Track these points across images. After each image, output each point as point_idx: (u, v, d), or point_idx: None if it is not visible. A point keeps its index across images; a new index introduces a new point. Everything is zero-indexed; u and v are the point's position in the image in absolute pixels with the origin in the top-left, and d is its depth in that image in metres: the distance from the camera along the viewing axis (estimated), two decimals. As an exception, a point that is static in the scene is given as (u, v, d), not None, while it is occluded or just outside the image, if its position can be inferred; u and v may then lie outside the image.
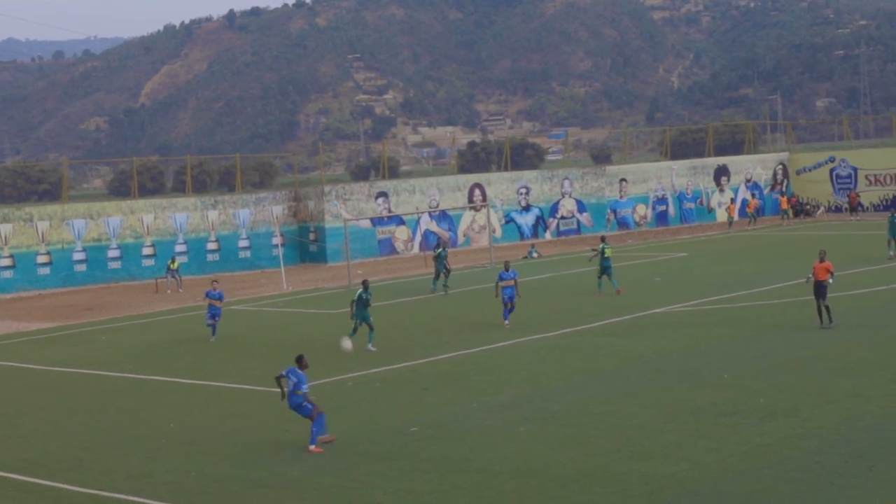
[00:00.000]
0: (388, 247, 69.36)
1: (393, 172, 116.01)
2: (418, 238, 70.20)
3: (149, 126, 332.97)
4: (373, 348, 35.35)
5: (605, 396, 26.86)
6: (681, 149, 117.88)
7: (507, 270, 39.40)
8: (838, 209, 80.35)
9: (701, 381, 27.98)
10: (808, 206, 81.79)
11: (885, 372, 27.73)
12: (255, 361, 34.81)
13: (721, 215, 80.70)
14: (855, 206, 76.86)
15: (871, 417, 23.35)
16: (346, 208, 67.49)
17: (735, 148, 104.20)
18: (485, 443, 23.31)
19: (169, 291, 58.20)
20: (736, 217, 78.81)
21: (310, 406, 23.60)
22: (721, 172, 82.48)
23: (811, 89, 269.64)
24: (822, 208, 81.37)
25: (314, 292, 54.27)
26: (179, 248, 64.93)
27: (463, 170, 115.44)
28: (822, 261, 34.68)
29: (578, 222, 76.46)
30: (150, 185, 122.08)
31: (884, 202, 78.30)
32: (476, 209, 72.28)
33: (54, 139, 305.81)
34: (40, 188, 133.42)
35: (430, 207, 70.51)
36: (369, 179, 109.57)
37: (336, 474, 21.76)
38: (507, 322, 38.68)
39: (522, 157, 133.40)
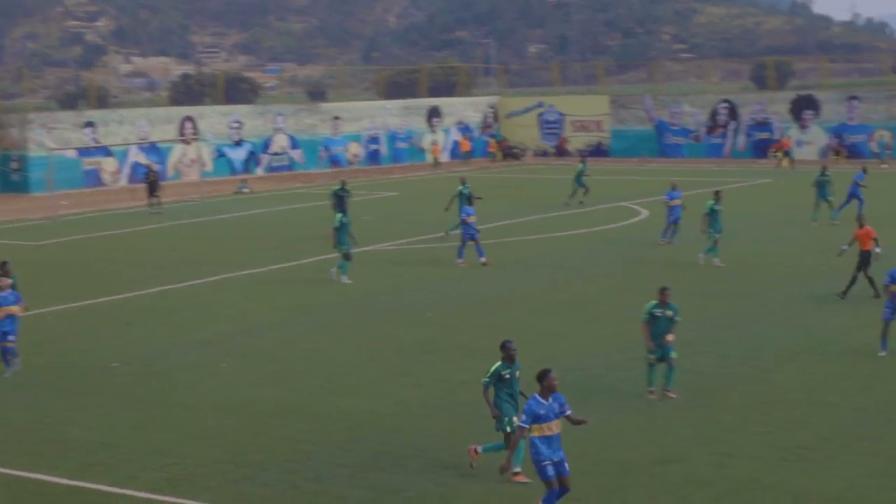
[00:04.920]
0: (94, 178, 67.49)
1: (103, 102, 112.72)
2: (126, 170, 68.51)
3: None
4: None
5: (312, 333, 26.96)
6: (395, 88, 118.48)
7: (674, 189, 38.66)
8: (545, 153, 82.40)
9: (406, 319, 28.39)
10: (516, 150, 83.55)
11: (581, 312, 28.71)
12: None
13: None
14: (562, 151, 78.99)
15: (567, 356, 24.14)
16: (50, 137, 65.33)
17: (448, 90, 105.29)
18: (187, 379, 23.12)
19: None
20: (447, 158, 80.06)
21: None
22: (434, 114, 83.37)
23: (524, 35, 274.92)
24: (530, 152, 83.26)
25: (16, 223, 52.46)
26: None
27: (176, 101, 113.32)
28: (861, 226, 29.43)
29: (291, 159, 76.08)
30: None
31: (589, 148, 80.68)
32: (187, 142, 71.04)
33: None
34: None
35: (140, 139, 68.95)
36: (77, 108, 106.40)
37: (28, 410, 21.18)
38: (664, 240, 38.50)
39: (237, 91, 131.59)
